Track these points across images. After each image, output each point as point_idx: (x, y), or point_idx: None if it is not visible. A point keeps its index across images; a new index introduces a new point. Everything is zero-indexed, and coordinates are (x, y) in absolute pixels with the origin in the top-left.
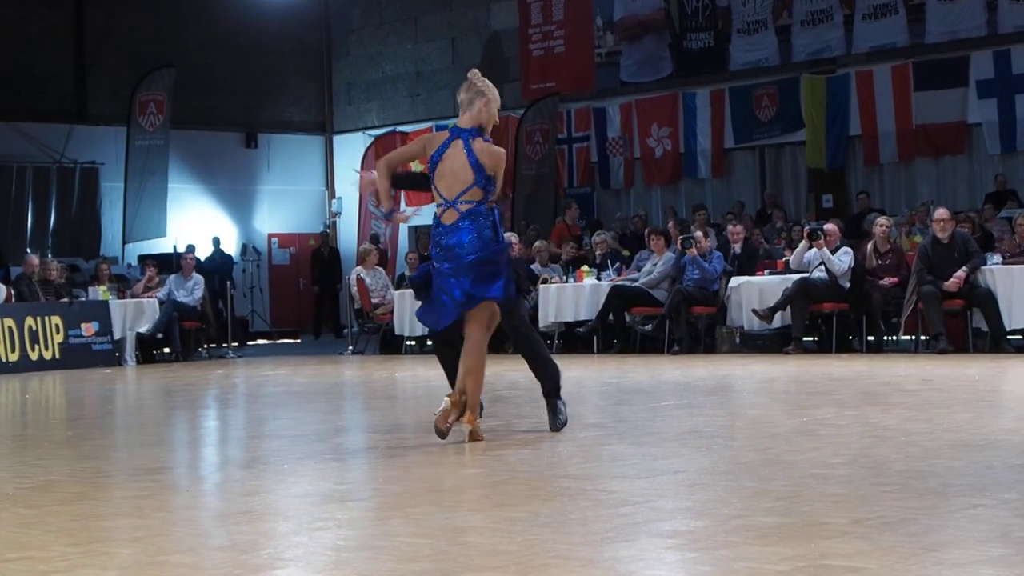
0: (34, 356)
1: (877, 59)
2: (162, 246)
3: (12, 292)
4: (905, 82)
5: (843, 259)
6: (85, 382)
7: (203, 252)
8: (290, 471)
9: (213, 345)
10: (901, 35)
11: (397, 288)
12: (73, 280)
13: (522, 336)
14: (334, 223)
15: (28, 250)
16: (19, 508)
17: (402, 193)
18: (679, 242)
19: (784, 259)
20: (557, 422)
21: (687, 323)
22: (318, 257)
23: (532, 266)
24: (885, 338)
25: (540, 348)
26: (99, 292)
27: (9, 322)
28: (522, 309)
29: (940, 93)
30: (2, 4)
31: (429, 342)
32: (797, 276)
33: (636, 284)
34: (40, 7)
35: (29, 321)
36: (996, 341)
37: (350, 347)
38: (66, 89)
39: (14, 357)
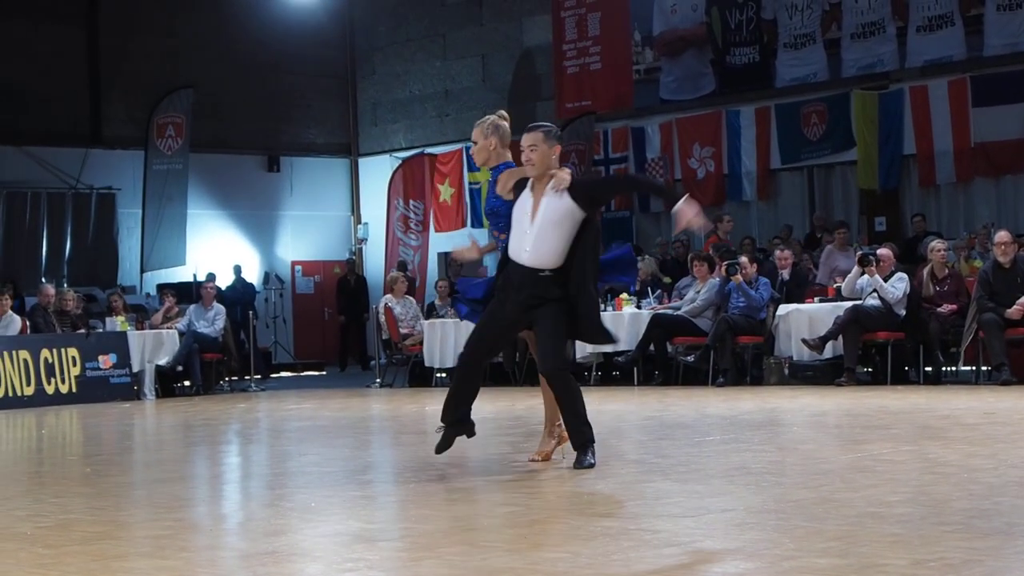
0: (50, 390)
1: (932, 73)
2: (181, 275)
3: (27, 323)
4: (963, 98)
5: (897, 286)
6: (103, 417)
7: (224, 281)
8: (317, 510)
9: (235, 378)
10: (958, 48)
11: (427, 318)
12: (90, 310)
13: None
14: (360, 250)
15: (43, 280)
16: (37, 548)
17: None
18: (723, 268)
19: (835, 286)
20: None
21: (732, 353)
22: (344, 285)
23: None
24: (944, 369)
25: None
26: (117, 323)
27: (24, 354)
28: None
29: (1000, 109)
30: (12, 22)
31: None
32: (849, 304)
33: (678, 313)
34: (52, 25)
35: (45, 353)
36: None
37: (378, 380)
38: (80, 111)
39: (29, 391)
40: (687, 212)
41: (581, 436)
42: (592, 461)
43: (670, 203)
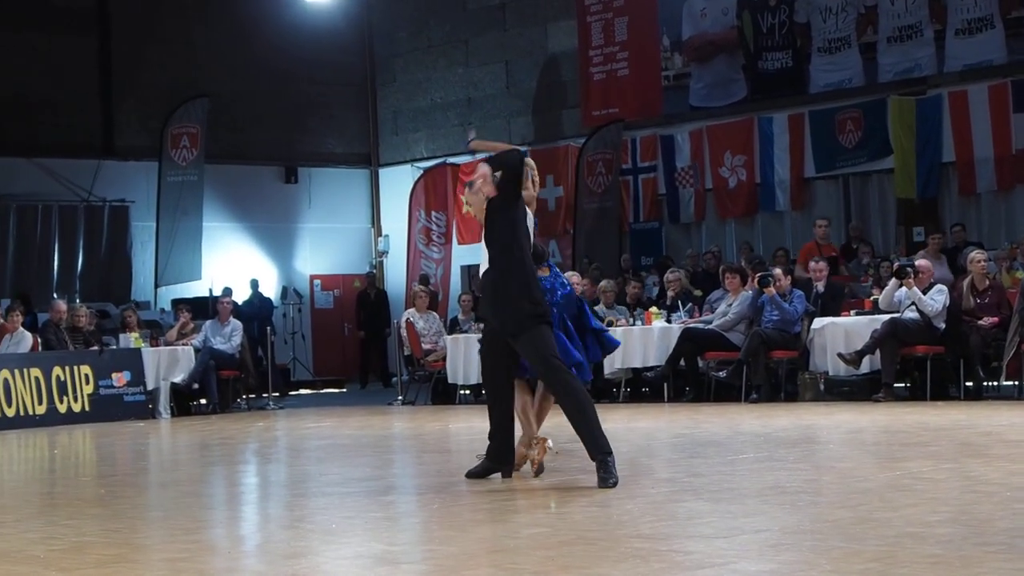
0: (62, 408)
1: (972, 78)
2: (197, 289)
3: (39, 340)
4: (1003, 103)
5: (937, 298)
6: (117, 436)
7: (240, 295)
8: (338, 531)
9: (252, 395)
10: (998, 52)
11: (450, 333)
12: (103, 327)
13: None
14: (381, 263)
15: (55, 295)
16: (50, 572)
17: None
18: (756, 280)
19: (872, 298)
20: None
21: (766, 369)
22: (364, 300)
23: (597, 307)
24: (985, 384)
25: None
26: (131, 340)
27: (36, 372)
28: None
29: None
30: (23, 30)
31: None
32: (886, 317)
33: (709, 327)
34: (64, 33)
35: (57, 371)
36: None
37: (399, 397)
38: (93, 122)
39: (41, 410)
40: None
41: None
42: (613, 479)
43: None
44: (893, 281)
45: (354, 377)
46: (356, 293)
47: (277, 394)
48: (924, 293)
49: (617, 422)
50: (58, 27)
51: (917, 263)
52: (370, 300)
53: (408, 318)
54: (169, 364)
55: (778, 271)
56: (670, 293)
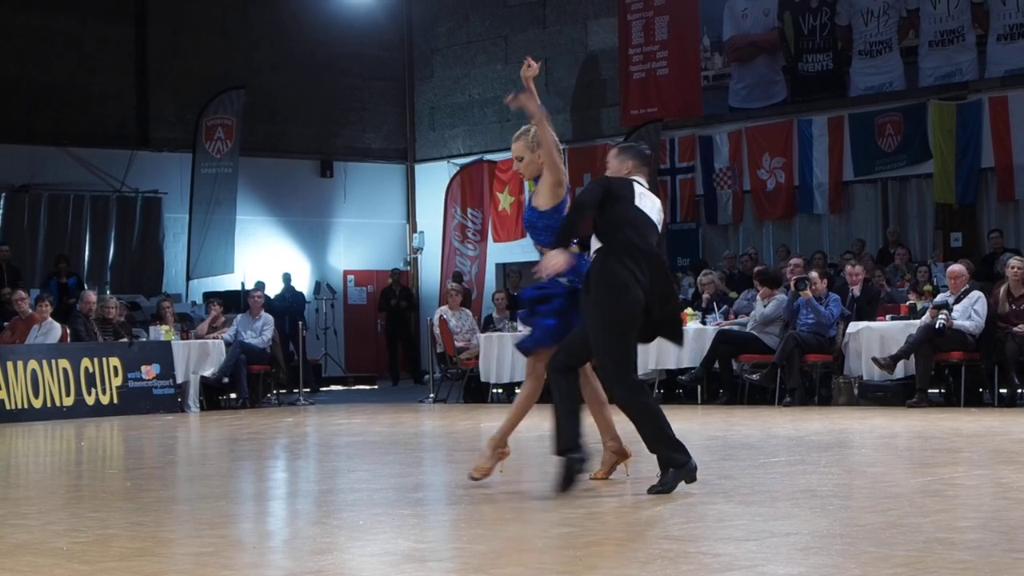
0: (90, 400)
1: (1013, 84)
2: (229, 283)
3: (68, 331)
4: None
5: (977, 310)
6: (145, 429)
7: (273, 290)
8: (365, 528)
9: (283, 391)
10: None
11: (484, 331)
12: (133, 319)
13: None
14: (415, 259)
15: (85, 286)
16: (74, 564)
17: None
18: (792, 283)
19: (908, 303)
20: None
21: (800, 372)
22: (388, 295)
23: None
24: (1019, 391)
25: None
26: (161, 332)
27: (64, 364)
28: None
29: None
30: (58, 18)
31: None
32: (922, 322)
33: (745, 329)
34: (99, 22)
35: (85, 363)
36: None
37: (431, 395)
38: (127, 112)
39: (69, 401)
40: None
41: (663, 456)
42: (662, 487)
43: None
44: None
45: (386, 374)
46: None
47: (308, 390)
48: (959, 301)
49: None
50: (95, 15)
51: (949, 268)
52: (394, 296)
53: (441, 315)
54: (199, 357)
55: (814, 274)
56: (705, 295)
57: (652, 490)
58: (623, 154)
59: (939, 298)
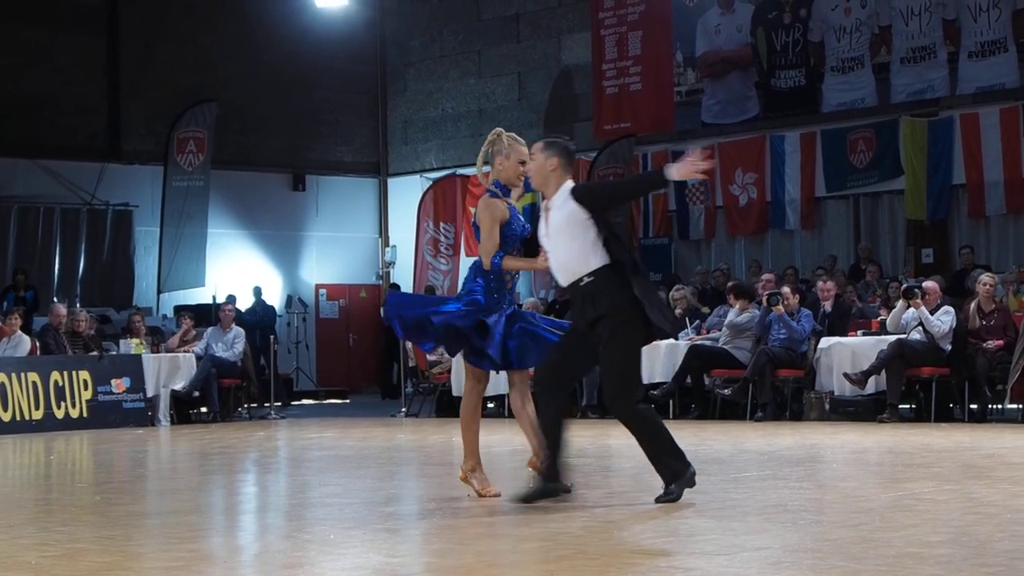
0: (60, 414)
1: (984, 101)
2: (200, 296)
3: (37, 344)
4: (1015, 127)
5: (944, 319)
6: (115, 443)
7: (244, 303)
8: (337, 542)
9: (254, 405)
10: (1011, 75)
11: None
12: (103, 332)
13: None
14: (387, 273)
15: (55, 299)
16: None
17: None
18: (765, 298)
19: (879, 319)
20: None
21: (772, 387)
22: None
23: None
24: (990, 406)
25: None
26: (131, 345)
27: (33, 377)
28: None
29: None
30: (29, 30)
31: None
32: (893, 338)
33: (718, 344)
34: (71, 34)
35: (55, 376)
36: None
37: (403, 409)
38: (98, 124)
39: (38, 415)
40: (686, 166)
41: (667, 469)
42: (675, 494)
43: (661, 180)
44: (901, 302)
45: (358, 388)
46: (361, 303)
47: (279, 404)
48: (932, 314)
49: (622, 438)
50: (65, 27)
51: (925, 284)
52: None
53: None
54: (170, 371)
55: (786, 290)
56: (677, 311)
57: (660, 500)
58: (549, 149)
59: (910, 281)
